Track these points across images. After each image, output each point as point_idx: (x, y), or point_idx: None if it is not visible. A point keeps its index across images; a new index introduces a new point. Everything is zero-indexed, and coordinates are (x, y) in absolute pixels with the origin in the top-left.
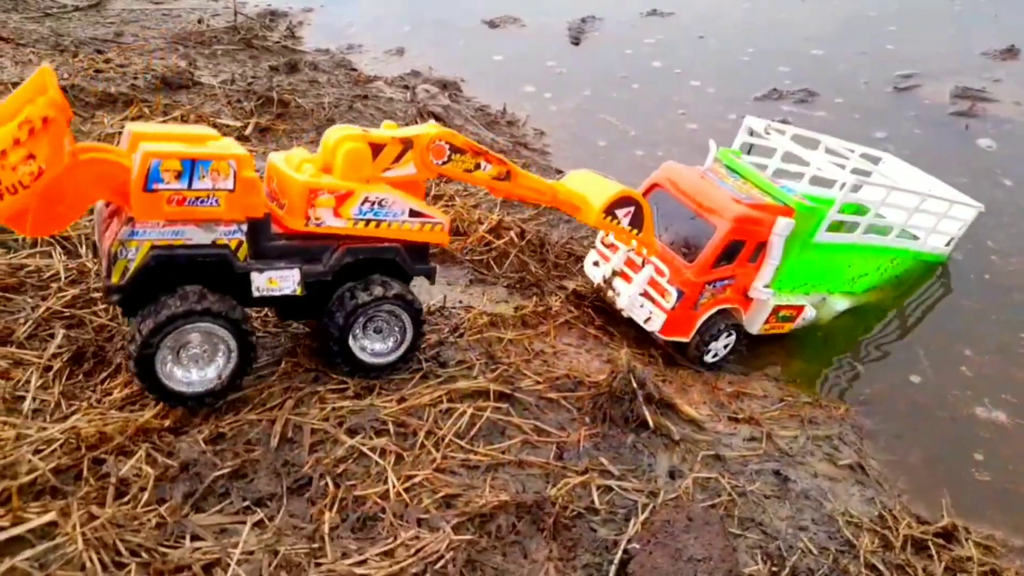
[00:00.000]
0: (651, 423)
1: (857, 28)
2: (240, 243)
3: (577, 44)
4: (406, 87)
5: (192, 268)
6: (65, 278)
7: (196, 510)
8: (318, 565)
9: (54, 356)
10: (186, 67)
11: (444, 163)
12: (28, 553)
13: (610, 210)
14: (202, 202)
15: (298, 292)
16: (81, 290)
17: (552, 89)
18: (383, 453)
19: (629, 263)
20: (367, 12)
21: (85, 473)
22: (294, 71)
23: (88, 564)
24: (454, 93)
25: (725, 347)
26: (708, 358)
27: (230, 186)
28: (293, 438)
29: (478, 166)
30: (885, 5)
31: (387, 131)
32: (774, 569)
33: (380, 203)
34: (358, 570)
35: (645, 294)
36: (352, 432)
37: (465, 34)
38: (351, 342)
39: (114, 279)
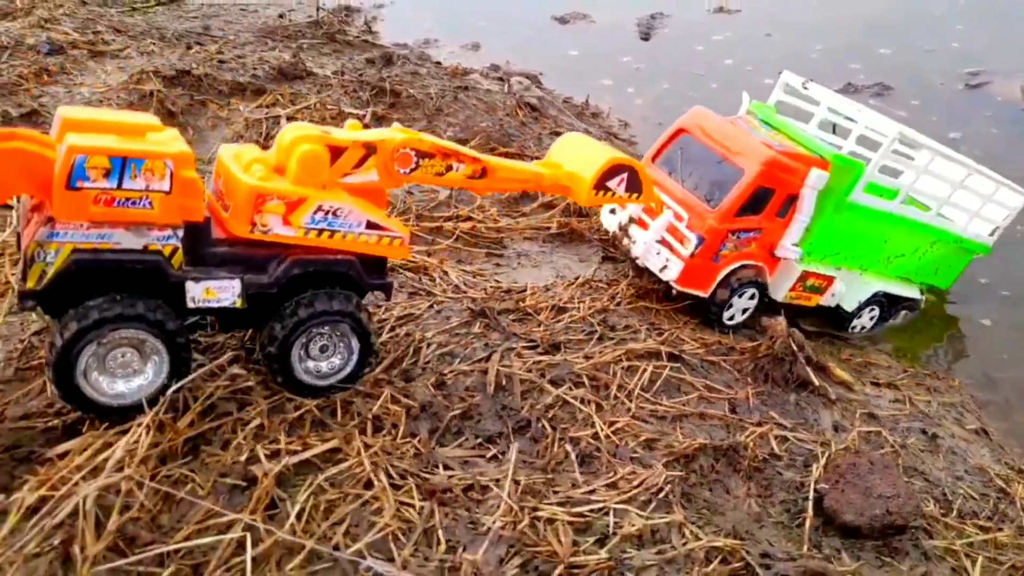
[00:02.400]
0: (815, 382)
1: (922, 25)
2: (175, 249)
3: (647, 39)
4: (500, 79)
5: (119, 275)
6: None
7: (440, 444)
8: (556, 492)
9: None
10: (292, 59)
11: (412, 171)
12: (325, 474)
13: (600, 184)
14: (133, 204)
15: (238, 304)
16: None
17: (632, 83)
18: (584, 402)
19: (647, 210)
20: (438, 8)
21: (339, 411)
22: (389, 64)
23: (376, 483)
24: (537, 86)
25: (745, 310)
26: (726, 318)
27: (166, 187)
28: (505, 387)
29: (449, 168)
30: (950, 2)
31: (349, 133)
32: (943, 511)
33: (335, 212)
34: (592, 497)
35: (662, 241)
36: (554, 383)
37: (536, 29)
38: (293, 360)
39: (29, 283)
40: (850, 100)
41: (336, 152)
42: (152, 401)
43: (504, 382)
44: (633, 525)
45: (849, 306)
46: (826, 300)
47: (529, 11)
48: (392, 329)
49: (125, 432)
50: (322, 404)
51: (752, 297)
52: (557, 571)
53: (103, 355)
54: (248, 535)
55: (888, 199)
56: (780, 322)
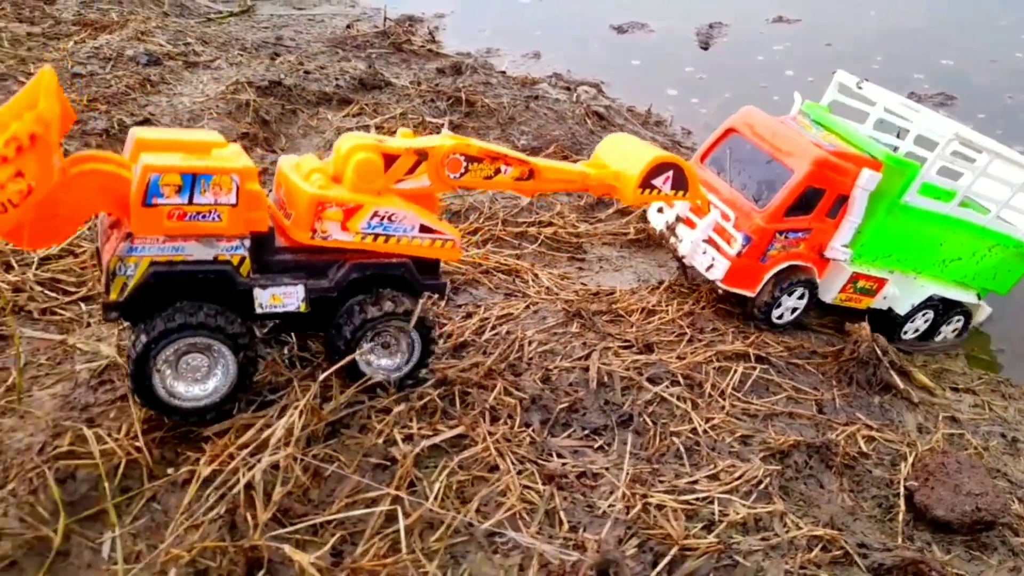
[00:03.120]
0: (899, 386)
1: (985, 36)
2: (243, 259)
3: (706, 49)
4: (567, 88)
5: (193, 284)
6: None
7: (551, 435)
8: (661, 482)
9: None
10: (368, 70)
11: (461, 175)
12: (456, 458)
13: (646, 183)
14: (203, 217)
15: (302, 309)
16: None
17: (696, 93)
18: (680, 399)
19: (695, 209)
20: (497, 17)
21: (457, 401)
22: (458, 73)
23: (501, 466)
24: (601, 94)
25: (794, 310)
26: (775, 317)
27: (233, 201)
28: (606, 383)
29: (498, 171)
30: (1017, 13)
31: (402, 141)
32: None
33: (390, 218)
34: (696, 487)
35: (709, 240)
36: (652, 381)
37: (595, 39)
38: (358, 357)
39: (112, 295)
40: (906, 100)
41: (390, 159)
42: (226, 400)
43: (605, 379)
44: (738, 513)
45: (902, 309)
46: (877, 303)
47: (587, 20)
48: (494, 327)
49: (279, 415)
50: (443, 394)
51: (801, 297)
52: (672, 552)
53: (174, 361)
54: (399, 507)
55: (944, 201)
56: (864, 327)
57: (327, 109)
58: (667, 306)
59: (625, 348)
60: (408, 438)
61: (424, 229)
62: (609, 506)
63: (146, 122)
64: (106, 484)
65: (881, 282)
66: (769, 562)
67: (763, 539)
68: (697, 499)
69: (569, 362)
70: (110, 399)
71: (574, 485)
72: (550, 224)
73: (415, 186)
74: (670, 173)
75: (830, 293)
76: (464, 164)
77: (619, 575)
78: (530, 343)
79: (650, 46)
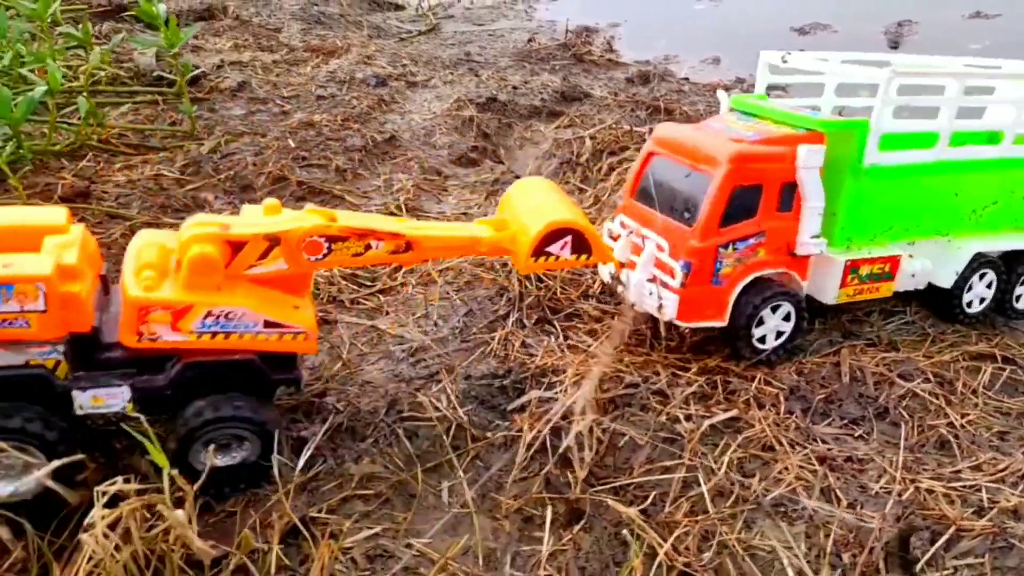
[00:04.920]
0: None
1: None
2: (58, 362)
3: (896, 48)
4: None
5: (9, 388)
6: None
7: (813, 423)
8: (925, 469)
9: None
10: (564, 82)
11: (323, 257)
12: (739, 437)
13: (539, 251)
14: (10, 324)
15: (128, 410)
16: None
17: None
18: (933, 395)
19: (635, 249)
20: (671, 24)
21: (720, 388)
22: (646, 82)
23: (777, 447)
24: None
25: (780, 333)
26: (757, 341)
27: (40, 307)
28: (858, 378)
29: (368, 247)
30: None
31: (253, 223)
32: None
33: (227, 316)
34: (961, 476)
35: (654, 279)
36: (903, 377)
37: (775, 41)
38: (190, 458)
39: None
40: (825, 54)
41: (237, 246)
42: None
43: (856, 374)
44: (1008, 501)
45: (945, 281)
46: (905, 284)
47: (765, 23)
48: None
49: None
50: (708, 380)
51: (787, 317)
52: (948, 532)
53: None
54: (699, 474)
55: (927, 148)
56: None
57: (538, 121)
58: (905, 307)
59: (870, 346)
60: (688, 417)
61: (269, 324)
62: (881, 488)
63: (393, 138)
64: (445, 439)
65: (893, 261)
66: None
67: None
68: (964, 487)
69: (819, 357)
70: (426, 374)
71: (843, 468)
72: None
73: (271, 270)
74: (568, 239)
75: (828, 293)
76: (326, 245)
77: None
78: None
79: (834, 48)
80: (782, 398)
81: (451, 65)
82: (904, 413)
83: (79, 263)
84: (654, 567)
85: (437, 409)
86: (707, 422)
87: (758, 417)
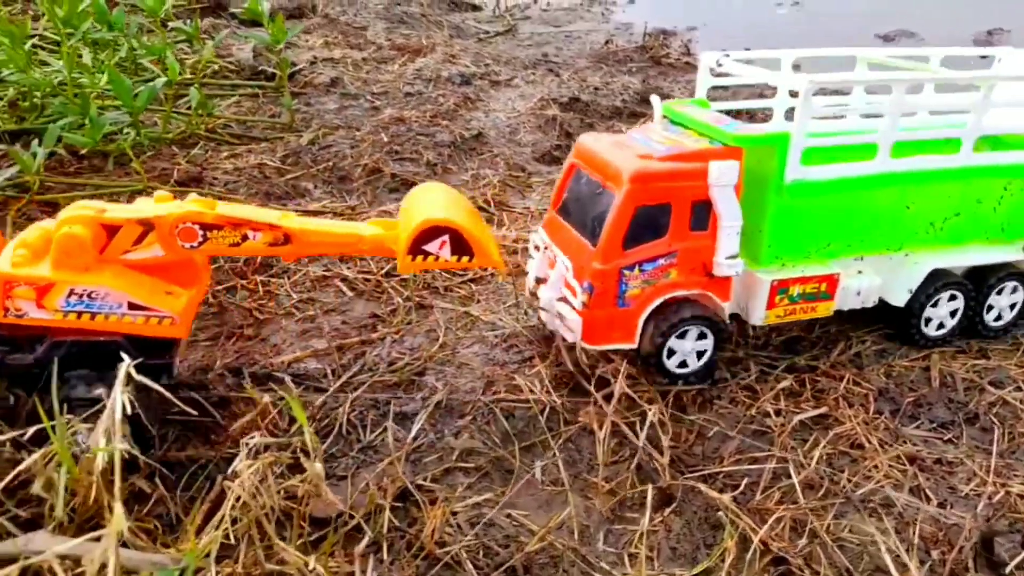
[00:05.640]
0: None
1: None
2: None
3: (985, 58)
4: None
5: None
6: None
7: (902, 424)
8: (1016, 475)
9: None
10: (642, 84)
11: (200, 244)
12: (830, 434)
13: (416, 249)
14: None
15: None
16: None
17: None
18: None
19: (551, 264)
20: (751, 28)
21: (808, 386)
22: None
23: (867, 444)
24: None
25: (701, 353)
26: (674, 367)
27: None
28: (947, 383)
29: (245, 237)
30: None
31: (129, 208)
32: None
33: (90, 295)
34: None
35: (563, 299)
36: (994, 384)
37: (859, 48)
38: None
39: None
40: (744, 54)
41: (112, 230)
42: None
43: (947, 379)
44: None
45: (898, 299)
46: (849, 303)
47: (849, 29)
48: (823, 326)
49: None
50: (797, 378)
51: (701, 335)
52: None
53: None
54: (789, 466)
55: (865, 159)
56: None
57: (620, 121)
58: None
59: (960, 353)
60: (777, 412)
61: (133, 306)
62: (971, 490)
63: (480, 135)
64: (540, 420)
65: (831, 280)
66: None
67: None
68: None
69: (908, 362)
70: (519, 359)
71: (933, 469)
72: None
73: (148, 256)
74: (446, 237)
75: (756, 314)
76: (201, 233)
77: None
78: (863, 342)
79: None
80: (871, 399)
81: (530, 65)
82: (994, 419)
83: None
84: (749, 552)
85: (532, 392)
86: (797, 417)
87: (848, 415)
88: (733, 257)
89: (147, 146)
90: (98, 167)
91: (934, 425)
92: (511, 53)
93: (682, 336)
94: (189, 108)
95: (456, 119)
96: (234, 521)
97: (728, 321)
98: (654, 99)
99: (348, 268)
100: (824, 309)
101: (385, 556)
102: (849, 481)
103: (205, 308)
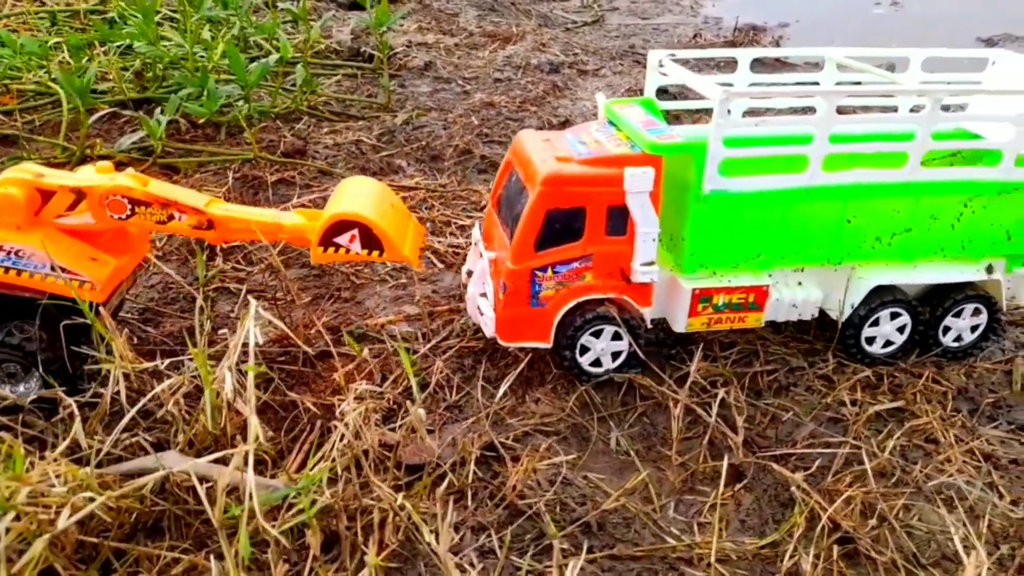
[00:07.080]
0: None
1: None
2: None
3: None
4: None
5: None
6: None
7: (979, 424)
8: None
9: None
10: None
11: (128, 217)
12: (906, 426)
13: (327, 240)
14: None
15: None
16: None
17: None
18: None
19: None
20: (846, 27)
21: (886, 380)
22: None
23: (941, 438)
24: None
25: (617, 354)
26: (588, 365)
27: None
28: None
29: (171, 217)
30: None
31: (62, 177)
32: None
33: (17, 253)
34: None
35: (484, 294)
36: None
37: (960, 49)
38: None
39: None
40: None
41: (47, 195)
42: None
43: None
44: None
45: (836, 314)
46: (783, 314)
47: (949, 30)
48: None
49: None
50: (875, 372)
51: (615, 335)
52: None
53: None
54: (862, 451)
55: (796, 171)
56: None
57: (707, 117)
58: None
59: None
60: (853, 402)
61: (57, 268)
62: None
63: (567, 122)
64: (617, 395)
65: (759, 291)
66: None
67: None
68: None
69: (990, 364)
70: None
71: (1008, 468)
72: None
73: (79, 222)
74: (355, 231)
75: (678, 320)
76: (129, 207)
77: None
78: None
79: None
80: (949, 396)
81: (618, 56)
82: None
83: None
84: (817, 529)
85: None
86: (872, 408)
87: (924, 410)
88: (649, 264)
89: (256, 119)
90: (211, 136)
91: (1012, 427)
92: (599, 43)
93: (596, 335)
94: (294, 85)
95: (544, 106)
96: (336, 457)
97: (645, 324)
98: (599, 96)
99: (439, 242)
100: (754, 320)
101: (469, 503)
102: (921, 472)
103: (307, 271)
